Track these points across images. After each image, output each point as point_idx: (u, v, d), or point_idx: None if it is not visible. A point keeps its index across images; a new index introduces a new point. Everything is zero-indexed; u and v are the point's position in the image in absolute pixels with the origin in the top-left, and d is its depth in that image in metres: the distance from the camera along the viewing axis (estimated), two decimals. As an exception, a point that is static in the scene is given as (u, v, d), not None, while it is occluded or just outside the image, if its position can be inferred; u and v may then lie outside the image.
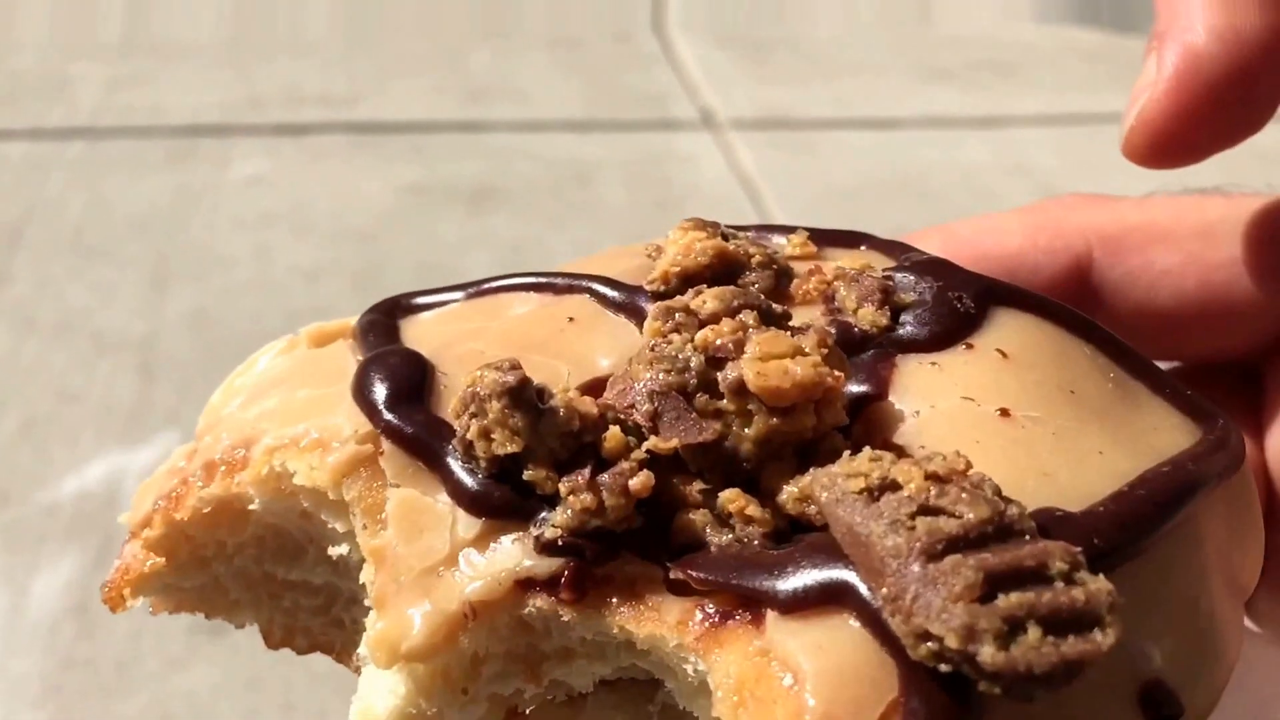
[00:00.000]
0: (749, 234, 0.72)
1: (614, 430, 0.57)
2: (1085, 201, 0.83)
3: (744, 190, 3.20)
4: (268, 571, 0.68)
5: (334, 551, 0.64)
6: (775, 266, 0.67)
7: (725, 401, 0.57)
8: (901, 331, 0.63)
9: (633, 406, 0.57)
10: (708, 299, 0.61)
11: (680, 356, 0.58)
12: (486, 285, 0.72)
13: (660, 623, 0.55)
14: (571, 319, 0.67)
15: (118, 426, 2.37)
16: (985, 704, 0.48)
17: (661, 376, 0.57)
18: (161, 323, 2.68)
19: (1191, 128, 0.71)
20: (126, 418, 2.40)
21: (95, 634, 1.96)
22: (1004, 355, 0.61)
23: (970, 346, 0.62)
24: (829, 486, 0.52)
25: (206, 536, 0.66)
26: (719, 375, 0.57)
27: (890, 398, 0.60)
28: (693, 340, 0.59)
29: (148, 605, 0.67)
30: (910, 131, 3.50)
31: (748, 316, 0.60)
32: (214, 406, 0.69)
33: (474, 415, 0.57)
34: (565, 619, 0.56)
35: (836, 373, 0.57)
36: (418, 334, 0.68)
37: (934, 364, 0.61)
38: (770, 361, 0.56)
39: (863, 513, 0.50)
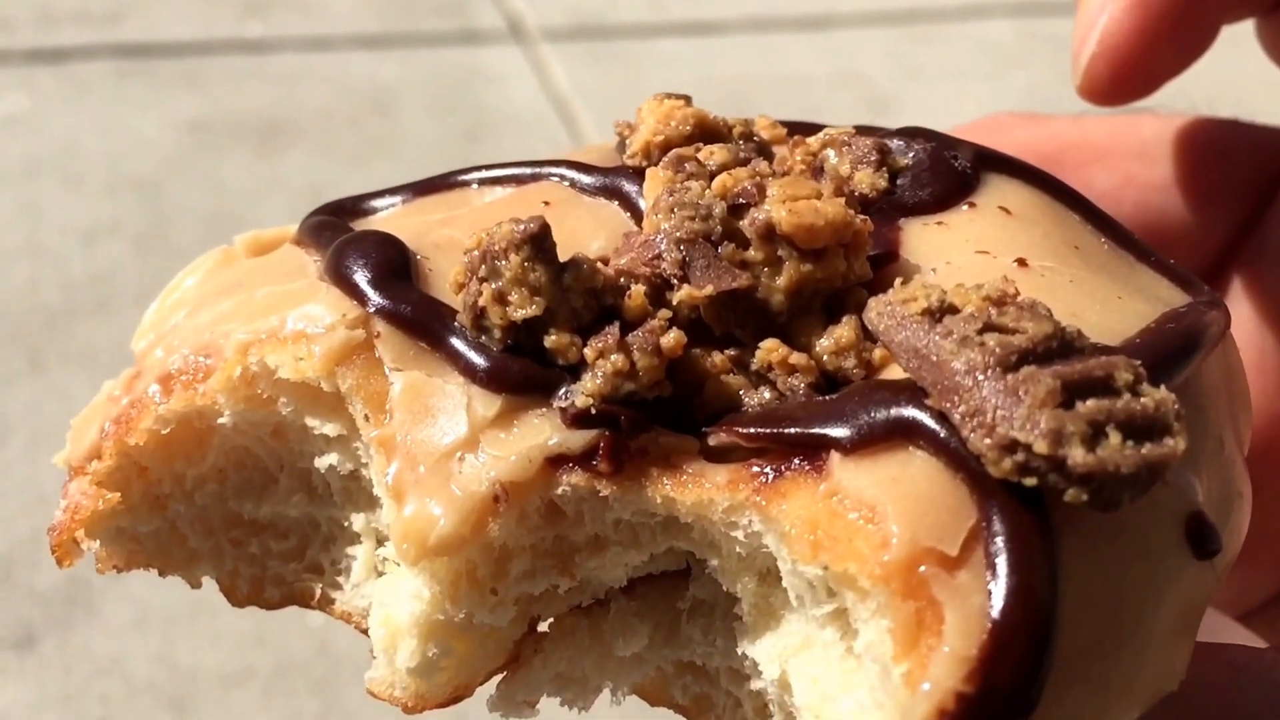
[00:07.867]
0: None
1: (637, 289, 0.57)
2: (1020, 120, 0.86)
3: (557, 112, 3.18)
4: (232, 510, 0.64)
5: (321, 462, 0.61)
6: (756, 139, 0.67)
7: (752, 250, 0.57)
8: (901, 194, 0.64)
9: (658, 258, 0.57)
10: (714, 151, 0.62)
11: (702, 202, 0.58)
12: (439, 181, 0.70)
13: (708, 487, 0.55)
14: (547, 203, 0.66)
15: None
16: (1062, 523, 0.51)
17: (686, 223, 0.57)
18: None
19: (1156, 48, 0.73)
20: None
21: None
22: (1008, 213, 0.64)
23: (973, 205, 0.64)
24: (886, 313, 0.54)
25: (163, 469, 0.62)
26: (743, 222, 0.58)
27: (903, 257, 0.62)
28: (710, 187, 0.59)
29: (96, 561, 0.62)
30: (732, 37, 3.54)
31: (759, 165, 0.61)
32: (153, 323, 0.65)
33: (485, 279, 0.56)
34: (604, 495, 0.55)
35: (863, 216, 0.59)
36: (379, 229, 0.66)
37: (940, 223, 0.63)
38: (799, 201, 0.57)
39: (928, 333, 0.52)
